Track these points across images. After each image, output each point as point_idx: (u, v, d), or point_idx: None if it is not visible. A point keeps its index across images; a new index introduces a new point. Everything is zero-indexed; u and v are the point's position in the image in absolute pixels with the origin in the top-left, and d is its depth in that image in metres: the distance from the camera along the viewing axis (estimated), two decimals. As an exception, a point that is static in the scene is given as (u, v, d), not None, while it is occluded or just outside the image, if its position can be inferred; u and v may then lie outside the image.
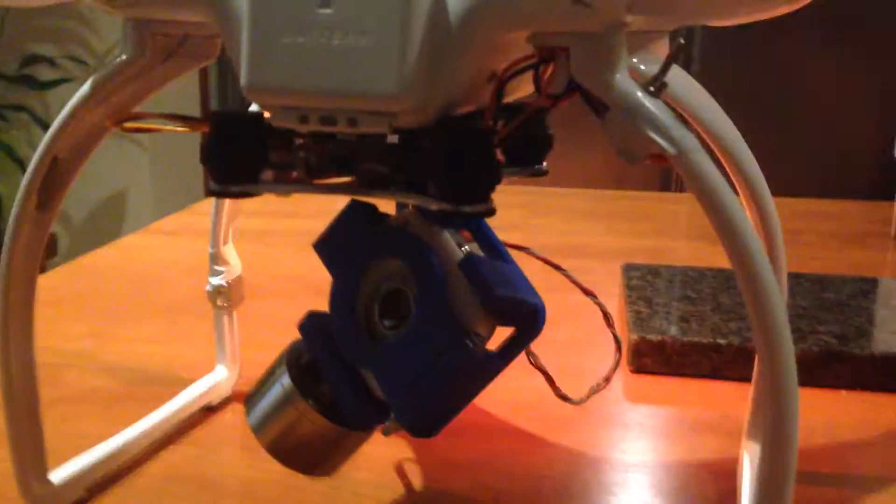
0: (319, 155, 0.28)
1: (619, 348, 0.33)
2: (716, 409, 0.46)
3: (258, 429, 0.31)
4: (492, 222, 0.28)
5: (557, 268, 0.33)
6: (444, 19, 0.24)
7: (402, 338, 0.28)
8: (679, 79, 0.30)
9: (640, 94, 0.24)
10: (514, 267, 0.30)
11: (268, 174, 0.28)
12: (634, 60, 0.27)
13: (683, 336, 0.50)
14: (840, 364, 0.48)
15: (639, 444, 0.43)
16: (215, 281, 0.45)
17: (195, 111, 1.90)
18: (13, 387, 0.33)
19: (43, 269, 0.80)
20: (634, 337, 0.50)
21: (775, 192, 0.34)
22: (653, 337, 0.50)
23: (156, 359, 0.52)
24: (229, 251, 0.45)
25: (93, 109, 0.30)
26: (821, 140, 1.21)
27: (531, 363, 0.32)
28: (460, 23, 0.24)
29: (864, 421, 0.45)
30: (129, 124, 0.30)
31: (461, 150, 0.25)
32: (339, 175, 0.29)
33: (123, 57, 0.29)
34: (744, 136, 0.32)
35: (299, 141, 0.28)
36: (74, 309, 0.61)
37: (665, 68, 0.24)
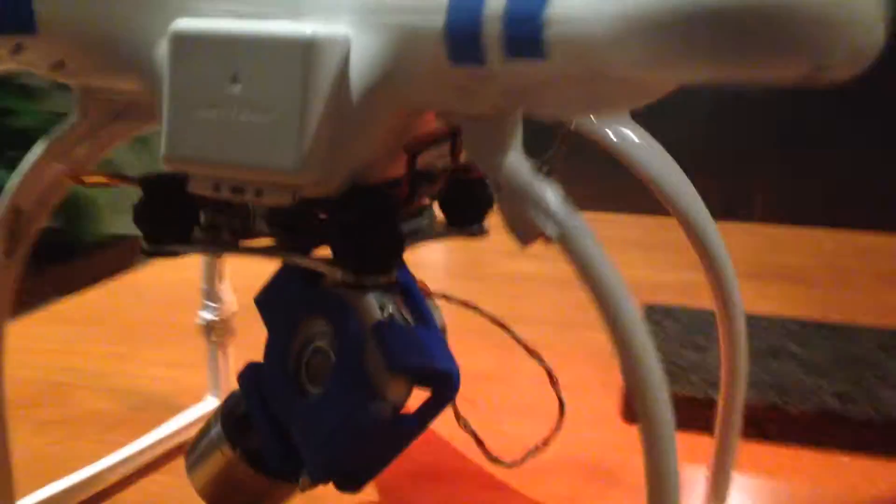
0: (244, 218, 0.29)
1: (561, 411, 0.33)
2: (705, 465, 0.45)
3: (191, 471, 0.32)
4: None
5: (502, 326, 0.34)
6: (344, 99, 0.25)
7: (320, 397, 0.29)
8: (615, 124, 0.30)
9: (526, 176, 0.24)
10: (431, 331, 0.30)
11: (200, 234, 0.29)
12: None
13: (676, 389, 0.49)
14: (837, 426, 0.46)
15: (621, 498, 0.42)
16: (207, 316, 0.46)
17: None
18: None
19: (127, 267, 0.82)
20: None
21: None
22: (645, 387, 0.49)
23: (164, 383, 0.54)
24: (224, 288, 0.47)
25: (50, 164, 0.32)
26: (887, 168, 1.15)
27: (460, 426, 0.32)
28: (361, 102, 0.25)
29: (853, 489, 0.43)
30: (89, 178, 0.32)
31: (361, 223, 0.26)
32: (266, 236, 0.30)
33: (73, 119, 0.30)
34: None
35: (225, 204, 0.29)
36: (103, 328, 0.64)
37: (555, 152, 0.24)
